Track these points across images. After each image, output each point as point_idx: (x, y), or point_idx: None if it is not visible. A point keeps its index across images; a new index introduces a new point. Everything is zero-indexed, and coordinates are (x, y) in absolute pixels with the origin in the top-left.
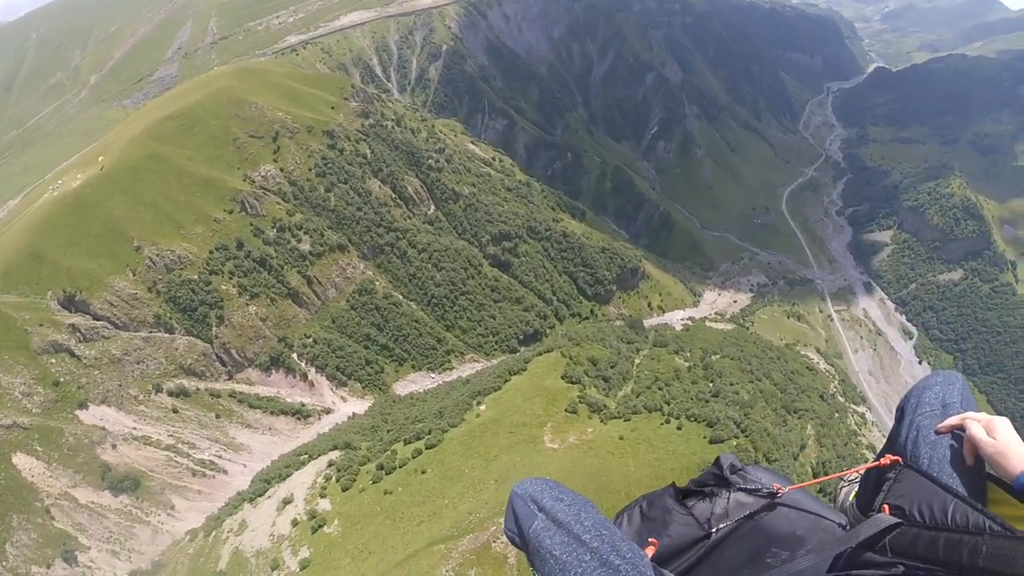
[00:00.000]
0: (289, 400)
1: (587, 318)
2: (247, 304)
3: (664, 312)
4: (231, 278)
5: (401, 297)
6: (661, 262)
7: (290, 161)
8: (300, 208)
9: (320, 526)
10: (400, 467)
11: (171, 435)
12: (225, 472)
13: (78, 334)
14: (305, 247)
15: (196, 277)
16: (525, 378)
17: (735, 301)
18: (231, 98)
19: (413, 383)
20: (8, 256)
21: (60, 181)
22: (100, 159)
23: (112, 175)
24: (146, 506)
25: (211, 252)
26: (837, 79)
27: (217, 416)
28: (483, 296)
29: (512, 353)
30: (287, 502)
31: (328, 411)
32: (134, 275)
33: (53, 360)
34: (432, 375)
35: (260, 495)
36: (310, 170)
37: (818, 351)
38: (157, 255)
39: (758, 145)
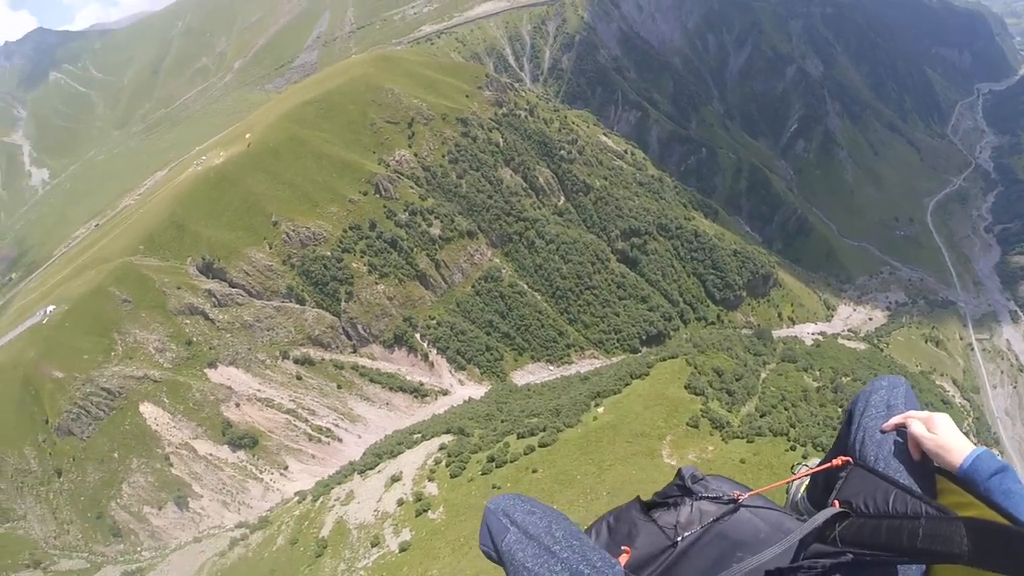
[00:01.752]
0: (408, 378)
1: (712, 323)
2: (376, 283)
3: (794, 324)
4: (362, 257)
5: (526, 287)
6: (795, 270)
7: (424, 147)
8: (432, 193)
9: (425, 510)
10: (511, 462)
11: (292, 400)
12: (340, 440)
13: (213, 299)
14: (435, 231)
15: (329, 254)
16: (647, 383)
17: (870, 319)
18: (369, 85)
19: (531, 374)
20: (152, 224)
21: (204, 157)
22: (247, 136)
23: (253, 154)
24: (261, 464)
25: (345, 231)
26: (987, 79)
27: (338, 386)
28: (608, 292)
29: (633, 353)
30: (395, 480)
31: (445, 392)
32: (270, 248)
33: (188, 321)
34: (550, 367)
35: (370, 469)
36: (443, 156)
37: (955, 383)
38: (293, 231)
39: (903, 148)
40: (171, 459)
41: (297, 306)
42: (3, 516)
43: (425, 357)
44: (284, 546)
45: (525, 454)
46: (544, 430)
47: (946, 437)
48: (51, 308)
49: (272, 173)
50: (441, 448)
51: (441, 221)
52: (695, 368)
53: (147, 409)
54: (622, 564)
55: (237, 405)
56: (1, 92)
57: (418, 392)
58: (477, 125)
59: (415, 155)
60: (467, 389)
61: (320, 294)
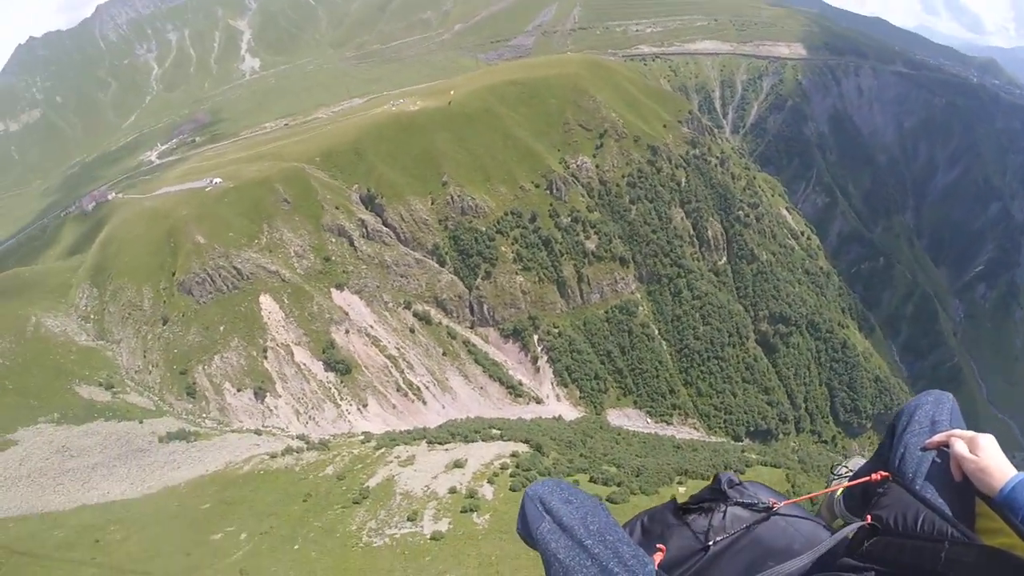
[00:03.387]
0: (511, 373)
1: (825, 443)
2: (516, 273)
3: None
4: (513, 244)
5: (657, 332)
6: None
7: (608, 162)
8: (600, 208)
9: (471, 510)
10: None
11: (397, 348)
12: (424, 403)
13: (364, 229)
14: (590, 245)
15: (483, 229)
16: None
17: None
18: (575, 86)
19: (627, 417)
20: (334, 143)
21: (401, 100)
22: (451, 93)
23: (448, 113)
24: (344, 392)
25: (505, 214)
26: None
27: (444, 353)
28: (735, 370)
29: (735, 440)
30: (458, 466)
31: (539, 401)
32: (432, 204)
33: (333, 240)
34: (648, 420)
35: (440, 443)
36: (623, 177)
37: None
38: (458, 196)
39: None
40: (268, 353)
41: (436, 265)
42: (102, 334)
43: (534, 360)
44: (330, 477)
45: None
46: (619, 485)
47: (988, 459)
48: (218, 180)
49: (459, 136)
50: (513, 455)
51: (599, 238)
52: (792, 486)
53: (266, 301)
54: (655, 563)
55: (346, 332)
56: None
57: (514, 390)
58: (665, 157)
59: (596, 166)
60: (561, 406)
61: (461, 263)
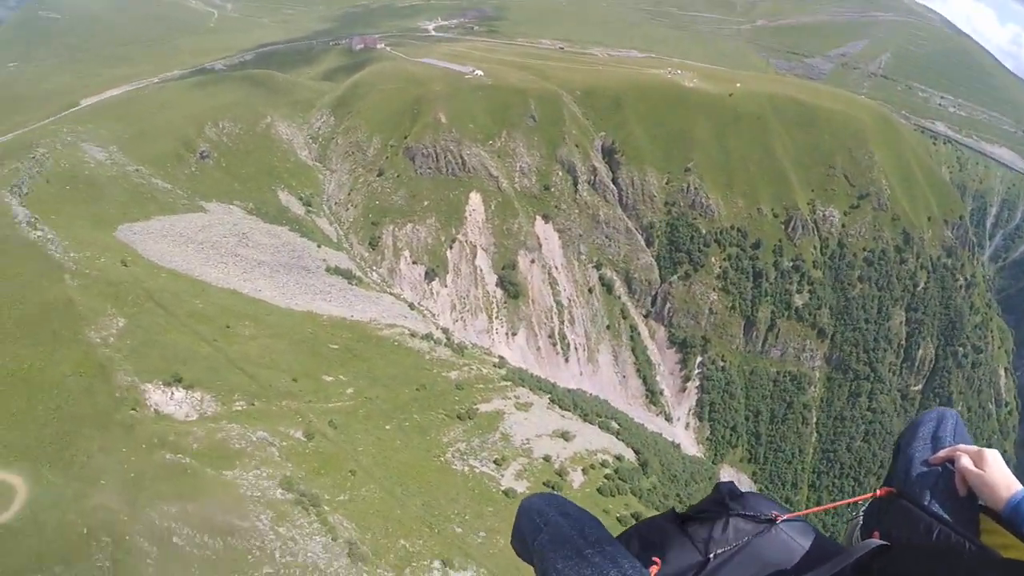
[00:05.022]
0: (657, 378)
1: None
2: (714, 289)
3: None
4: (724, 259)
5: (814, 420)
6: None
7: (855, 226)
8: (825, 268)
9: (552, 487)
10: None
11: (569, 299)
12: (566, 361)
13: (592, 176)
14: (798, 301)
15: (704, 231)
16: None
17: None
18: (855, 132)
19: (738, 483)
20: (598, 84)
21: (679, 72)
22: (738, 86)
23: (720, 102)
24: (503, 313)
25: (731, 227)
26: None
27: (607, 326)
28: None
29: None
30: (564, 437)
31: (668, 419)
32: (666, 183)
33: (560, 173)
34: (753, 489)
35: (561, 407)
36: (864, 249)
37: None
38: (695, 188)
39: None
40: (455, 244)
41: (643, 243)
42: (321, 159)
43: (686, 379)
44: (450, 381)
45: None
46: None
47: (995, 473)
48: (479, 72)
49: (721, 131)
50: (617, 458)
51: (810, 298)
52: None
53: (475, 199)
54: (652, 574)
55: (532, 261)
56: None
57: (652, 396)
58: (915, 252)
59: (843, 225)
60: (685, 435)
61: (667, 252)
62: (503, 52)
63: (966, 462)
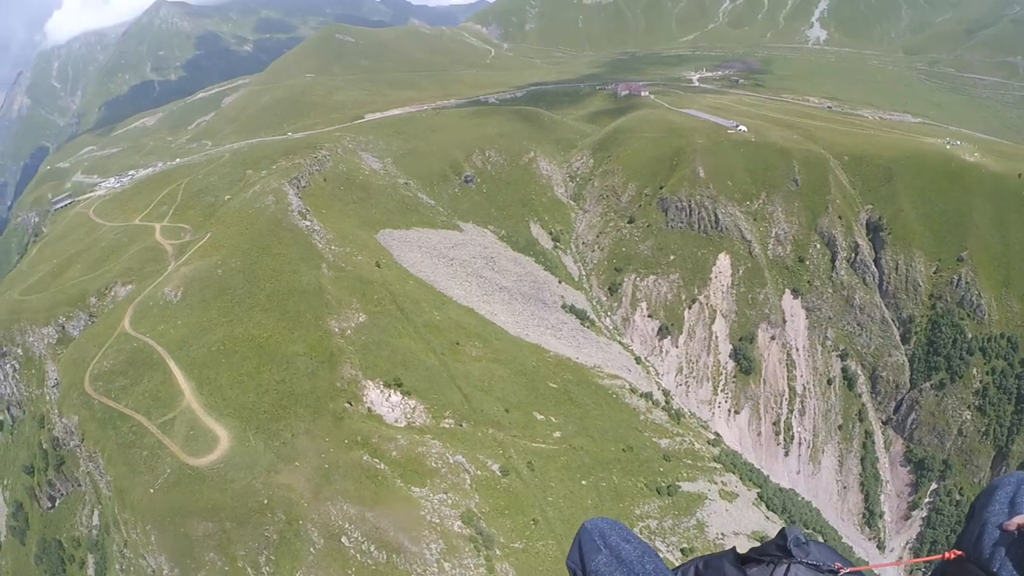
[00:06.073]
0: (887, 519)
1: None
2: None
3: None
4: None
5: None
6: None
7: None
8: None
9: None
10: None
11: (804, 387)
12: (785, 455)
13: (853, 255)
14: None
15: (970, 336)
16: None
17: None
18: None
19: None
20: (868, 150)
21: (958, 142)
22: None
23: (1004, 182)
24: (730, 387)
25: (1001, 334)
26: None
27: (839, 427)
28: None
29: None
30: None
31: (881, 547)
32: (936, 272)
33: (818, 245)
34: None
35: (772, 509)
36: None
37: None
38: (967, 282)
39: None
40: (695, 304)
41: (898, 339)
42: (574, 197)
43: (913, 506)
44: (658, 448)
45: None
46: None
47: None
48: (743, 128)
49: (1001, 216)
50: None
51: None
52: None
53: (723, 261)
54: None
55: (772, 338)
56: None
57: (870, 518)
58: None
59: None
60: (891, 572)
61: (923, 357)
62: (768, 108)
63: None
